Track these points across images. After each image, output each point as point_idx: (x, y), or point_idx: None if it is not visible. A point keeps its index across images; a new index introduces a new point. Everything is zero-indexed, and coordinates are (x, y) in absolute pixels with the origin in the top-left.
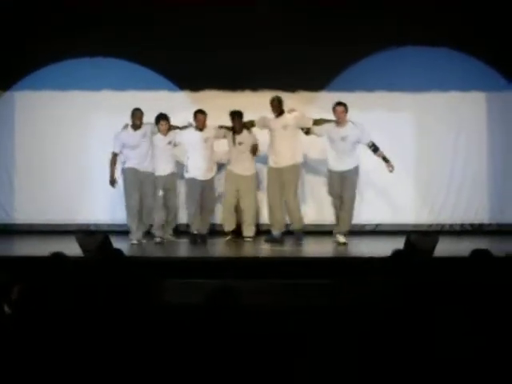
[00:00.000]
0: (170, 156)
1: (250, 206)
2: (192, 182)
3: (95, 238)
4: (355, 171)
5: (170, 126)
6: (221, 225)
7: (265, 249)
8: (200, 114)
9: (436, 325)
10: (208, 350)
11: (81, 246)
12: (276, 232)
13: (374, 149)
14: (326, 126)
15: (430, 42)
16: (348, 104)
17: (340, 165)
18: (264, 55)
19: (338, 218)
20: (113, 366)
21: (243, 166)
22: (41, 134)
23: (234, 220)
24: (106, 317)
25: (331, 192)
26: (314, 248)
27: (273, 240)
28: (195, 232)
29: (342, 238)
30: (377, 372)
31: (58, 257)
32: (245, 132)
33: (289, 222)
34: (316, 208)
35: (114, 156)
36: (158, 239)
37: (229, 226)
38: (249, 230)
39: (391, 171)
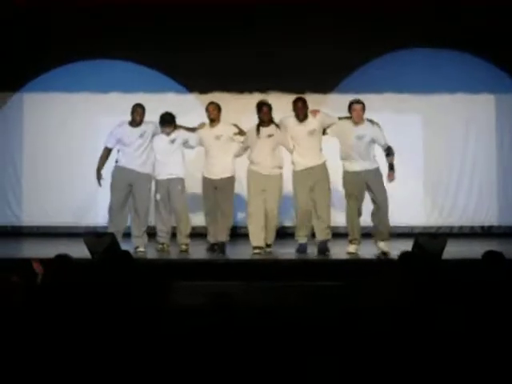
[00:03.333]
0: (175, 157)
1: (274, 210)
2: (205, 182)
3: (103, 240)
4: (377, 173)
5: (174, 126)
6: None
7: (278, 253)
8: (210, 105)
9: (446, 327)
10: (214, 353)
11: (89, 248)
12: (304, 241)
13: (388, 153)
14: (340, 125)
15: (438, 44)
16: None
17: (356, 166)
18: (273, 57)
19: (374, 224)
20: (118, 368)
21: (270, 163)
22: (49, 136)
23: (263, 233)
24: (112, 318)
25: (349, 193)
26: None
27: (304, 250)
28: (211, 241)
29: (385, 247)
30: (385, 374)
31: (63, 259)
32: (273, 125)
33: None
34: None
35: (106, 150)
36: (159, 246)
37: (257, 240)
38: (271, 238)
39: (391, 181)
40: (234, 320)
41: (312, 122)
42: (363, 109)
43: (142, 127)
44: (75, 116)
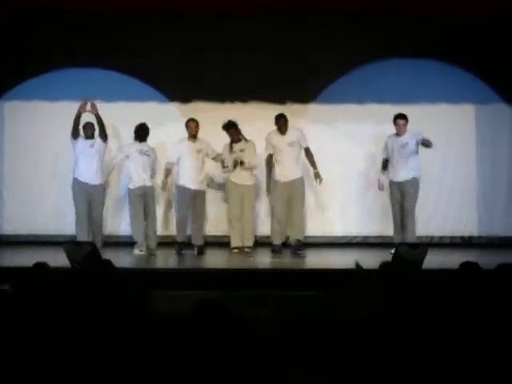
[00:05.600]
0: (141, 166)
1: (250, 215)
2: (181, 190)
3: (83, 248)
4: (414, 182)
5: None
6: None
7: (258, 261)
8: (191, 122)
9: (425, 336)
10: (197, 361)
11: (68, 256)
12: (278, 242)
13: (426, 144)
14: (388, 140)
15: (419, 55)
16: (336, 116)
17: (398, 175)
18: (254, 68)
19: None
20: (99, 379)
21: (244, 175)
22: (30, 145)
23: (240, 234)
24: (93, 328)
25: (392, 202)
26: (304, 260)
27: (279, 251)
28: (179, 241)
29: None
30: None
31: (40, 267)
32: (243, 141)
33: (289, 234)
34: (318, 220)
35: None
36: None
37: (236, 241)
38: (249, 240)
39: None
40: (219, 329)
41: (291, 135)
42: (406, 123)
43: (94, 140)
44: (57, 125)
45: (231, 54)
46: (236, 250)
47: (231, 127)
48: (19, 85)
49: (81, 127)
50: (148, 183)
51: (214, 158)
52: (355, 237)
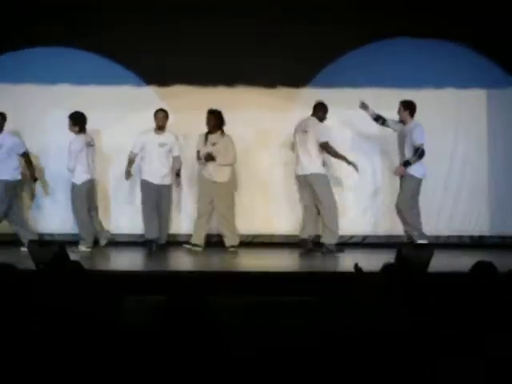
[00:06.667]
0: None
1: (226, 214)
2: (146, 184)
3: (50, 248)
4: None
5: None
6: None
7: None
8: (159, 112)
9: (431, 346)
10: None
11: (33, 258)
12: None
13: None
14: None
15: (424, 34)
16: (333, 101)
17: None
18: (241, 49)
19: None
20: None
21: (217, 171)
22: None
23: (204, 232)
24: (61, 334)
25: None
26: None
27: (332, 251)
28: (149, 238)
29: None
30: None
31: (6, 268)
32: (218, 133)
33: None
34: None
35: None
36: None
37: (197, 239)
38: (231, 240)
39: (395, 174)
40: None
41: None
42: (402, 108)
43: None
44: (21, 109)
45: (216, 34)
46: (191, 247)
47: (211, 113)
48: None
49: None
50: (94, 176)
51: (174, 158)
52: (352, 237)
